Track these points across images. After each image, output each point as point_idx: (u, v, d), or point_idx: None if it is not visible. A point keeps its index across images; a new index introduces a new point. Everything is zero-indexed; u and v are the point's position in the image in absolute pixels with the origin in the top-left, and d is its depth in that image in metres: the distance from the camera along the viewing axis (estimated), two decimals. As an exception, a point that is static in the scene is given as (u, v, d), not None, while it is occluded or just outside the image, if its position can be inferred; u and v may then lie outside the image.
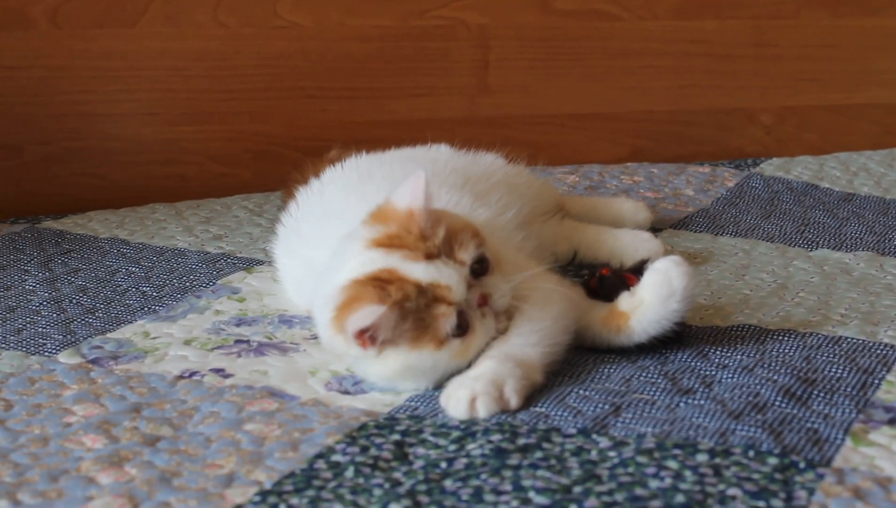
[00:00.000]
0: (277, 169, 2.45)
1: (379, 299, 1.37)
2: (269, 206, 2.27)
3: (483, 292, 1.42)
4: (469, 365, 1.42)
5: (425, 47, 2.50)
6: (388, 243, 1.41)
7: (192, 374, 1.52)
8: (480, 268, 1.43)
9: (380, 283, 1.38)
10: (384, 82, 2.49)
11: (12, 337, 1.64)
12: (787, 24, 2.68)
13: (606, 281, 1.58)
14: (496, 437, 1.29)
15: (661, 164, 2.52)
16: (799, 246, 2.02)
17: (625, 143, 2.61)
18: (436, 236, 1.41)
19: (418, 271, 1.39)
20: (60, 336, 1.64)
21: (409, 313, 1.38)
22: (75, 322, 1.69)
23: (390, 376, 1.43)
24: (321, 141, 2.46)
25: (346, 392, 1.46)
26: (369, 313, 1.36)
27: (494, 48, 2.53)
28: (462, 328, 1.40)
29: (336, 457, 1.27)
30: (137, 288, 1.83)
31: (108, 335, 1.65)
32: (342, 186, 1.73)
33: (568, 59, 2.58)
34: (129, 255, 1.99)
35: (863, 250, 1.99)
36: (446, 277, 1.39)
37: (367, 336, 1.39)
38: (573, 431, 1.31)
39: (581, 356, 1.52)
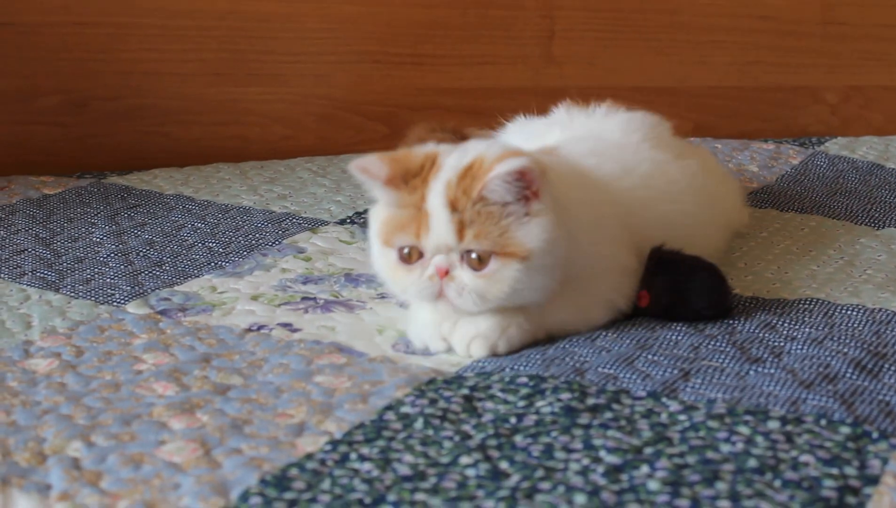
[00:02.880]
0: (340, 133, 2.47)
1: (394, 160, 1.41)
2: (332, 168, 2.28)
3: (451, 271, 1.39)
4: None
5: (491, 16, 2.49)
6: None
7: (260, 328, 1.52)
8: (475, 261, 1.39)
9: (422, 162, 1.41)
10: (449, 49, 2.49)
11: (81, 287, 1.66)
12: (856, 3, 2.65)
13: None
14: (565, 395, 1.29)
15: (725, 139, 2.51)
16: (865, 224, 2.00)
17: (688, 117, 2.59)
18: (474, 201, 1.38)
19: (434, 194, 1.39)
20: (128, 287, 1.65)
21: (398, 198, 1.39)
22: (143, 274, 1.71)
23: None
24: (385, 106, 2.48)
25: (413, 353, 1.46)
26: (373, 158, 1.41)
27: (560, 18, 2.52)
28: (407, 259, 1.40)
29: (405, 409, 1.28)
30: (203, 244, 1.84)
31: (176, 287, 1.66)
32: None
33: (633, 32, 2.57)
34: (194, 211, 2.00)
35: (930, 229, 1.97)
36: (436, 215, 1.38)
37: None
38: (643, 394, 1.30)
39: (648, 322, 1.52)
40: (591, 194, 1.53)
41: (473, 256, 1.39)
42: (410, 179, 1.41)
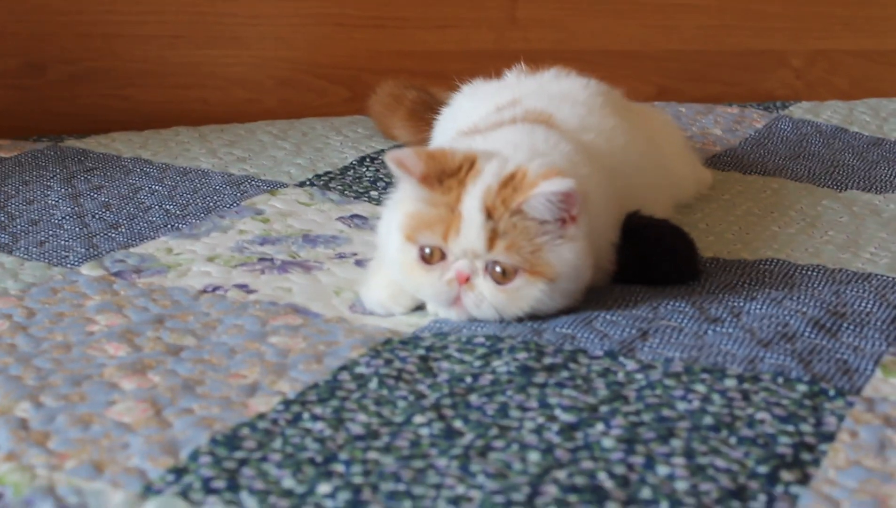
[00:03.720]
0: (302, 96, 2.44)
1: (431, 157, 1.38)
2: (293, 131, 2.25)
3: (472, 279, 1.36)
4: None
5: (454, -22, 2.47)
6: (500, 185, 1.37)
7: (216, 289, 1.51)
8: (498, 274, 1.35)
9: (461, 162, 1.38)
10: (412, 12, 2.46)
11: (34, 249, 1.63)
12: (822, -34, 2.65)
13: None
14: (521, 355, 1.28)
15: (689, 103, 2.50)
16: (827, 186, 2.00)
17: (652, 81, 2.58)
18: (513, 213, 1.35)
19: (471, 197, 1.35)
20: (83, 250, 1.63)
21: (430, 197, 1.37)
22: (98, 237, 1.68)
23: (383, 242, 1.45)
24: (347, 69, 2.45)
25: (371, 314, 1.44)
26: (410, 152, 1.38)
27: (524, -19, 2.50)
28: (429, 259, 1.37)
29: (360, 369, 1.26)
30: (160, 206, 1.82)
31: (131, 249, 1.64)
32: None
33: (597, -5, 2.55)
34: (152, 174, 1.98)
35: (892, 192, 1.96)
36: (469, 219, 1.35)
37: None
38: (600, 353, 1.29)
39: (609, 285, 1.50)
40: (591, 166, 1.50)
41: (498, 269, 1.35)
42: (446, 179, 1.37)
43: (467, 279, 1.35)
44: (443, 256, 1.37)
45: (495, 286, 1.35)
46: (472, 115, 1.70)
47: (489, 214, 1.35)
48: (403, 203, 1.41)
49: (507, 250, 1.34)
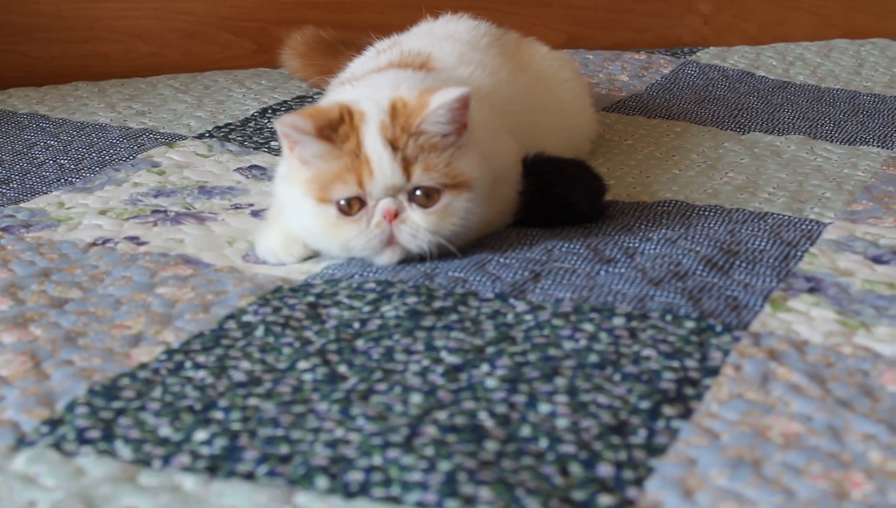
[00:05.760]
0: (206, 49, 2.41)
1: (313, 115, 1.35)
2: (195, 84, 2.22)
3: (400, 213, 1.34)
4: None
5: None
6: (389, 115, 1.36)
7: (105, 241, 1.48)
8: (422, 198, 1.34)
9: (339, 111, 1.36)
10: (317, -39, 2.43)
11: (-79, 206, 1.60)
12: None
13: None
14: (411, 300, 1.27)
15: (597, 51, 2.49)
16: (730, 129, 2.00)
17: (561, 29, 2.56)
18: (415, 135, 1.34)
19: (370, 136, 1.34)
20: (-29, 205, 1.60)
21: (329, 151, 1.34)
22: (-12, 192, 1.65)
23: (281, 195, 1.42)
24: (251, 21, 2.42)
25: (264, 263, 1.43)
26: (294, 115, 1.35)
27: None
28: (349, 211, 1.35)
29: (247, 318, 1.25)
30: (55, 161, 1.79)
31: (22, 204, 1.61)
32: None
33: (504, -57, 2.53)
34: (47, 129, 1.94)
35: (795, 133, 1.97)
36: (378, 157, 1.33)
37: (290, 138, 1.36)
38: (490, 295, 1.28)
39: (505, 229, 1.49)
40: (480, 105, 1.48)
41: (420, 193, 1.34)
42: (338, 129, 1.35)
43: (396, 215, 1.34)
44: (361, 204, 1.35)
45: (424, 212, 1.34)
46: (358, 62, 1.69)
47: (394, 146, 1.34)
48: (299, 171, 1.38)
49: (426, 172, 1.34)
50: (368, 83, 1.48)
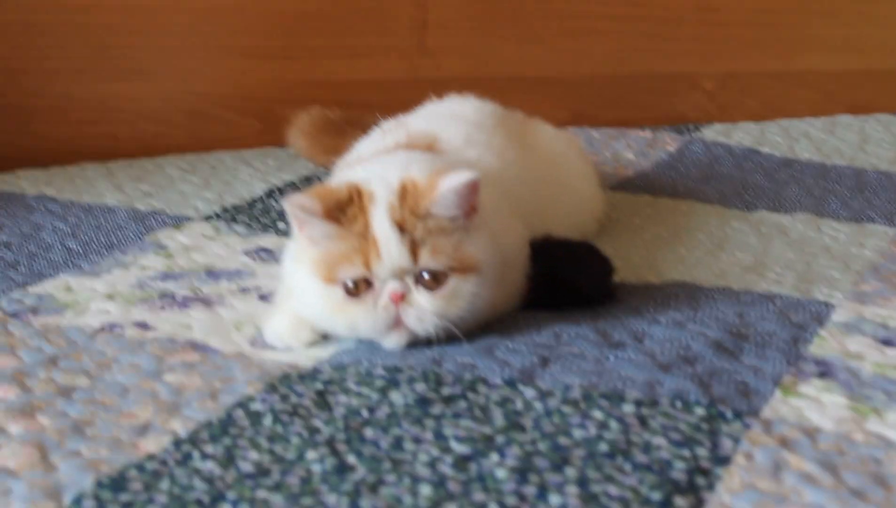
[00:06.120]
0: (212, 129, 2.41)
1: (321, 195, 1.36)
2: (202, 165, 2.23)
3: (406, 296, 1.34)
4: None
5: (362, 7, 2.45)
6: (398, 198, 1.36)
7: (113, 327, 1.48)
8: (429, 281, 1.34)
9: (348, 191, 1.37)
10: (321, 42, 2.44)
11: (-71, 291, 1.60)
12: (729, -12, 2.67)
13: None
14: (420, 386, 1.26)
15: (602, 128, 2.50)
16: (737, 208, 2.00)
17: (565, 107, 2.58)
18: (423, 218, 1.34)
19: (378, 218, 1.34)
20: (-21, 290, 1.60)
21: (337, 231, 1.35)
22: (-5, 277, 1.65)
23: (289, 274, 1.42)
24: (257, 101, 2.43)
25: (272, 348, 1.42)
26: (302, 195, 1.36)
27: (433, 8, 2.49)
28: (355, 292, 1.35)
29: (255, 406, 1.24)
30: (62, 244, 1.79)
31: (29, 289, 1.61)
32: None
33: (508, 22, 2.55)
34: (55, 211, 1.94)
35: (801, 212, 1.97)
36: (386, 239, 1.33)
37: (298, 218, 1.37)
38: (499, 381, 1.28)
39: (513, 312, 1.49)
40: (488, 189, 1.48)
41: (427, 276, 1.34)
42: (346, 209, 1.36)
43: (402, 297, 1.34)
44: (368, 285, 1.35)
45: (430, 295, 1.34)
46: (364, 143, 1.70)
47: (402, 228, 1.34)
48: (308, 251, 1.38)
49: (433, 255, 1.33)
50: (379, 163, 1.48)
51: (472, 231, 1.37)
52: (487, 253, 1.38)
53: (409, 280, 1.34)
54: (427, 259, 1.34)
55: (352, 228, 1.35)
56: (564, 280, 1.51)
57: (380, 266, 1.34)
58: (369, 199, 1.36)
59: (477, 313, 1.38)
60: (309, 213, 1.35)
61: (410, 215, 1.34)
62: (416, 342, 1.36)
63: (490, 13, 2.53)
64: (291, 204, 1.35)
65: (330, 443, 1.16)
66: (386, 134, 1.66)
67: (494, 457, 1.12)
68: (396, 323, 1.35)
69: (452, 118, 1.69)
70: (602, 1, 2.59)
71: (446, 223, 1.35)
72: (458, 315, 1.36)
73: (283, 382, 1.30)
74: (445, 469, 1.10)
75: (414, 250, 1.34)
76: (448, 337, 1.36)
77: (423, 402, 1.23)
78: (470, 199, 1.35)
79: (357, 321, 1.36)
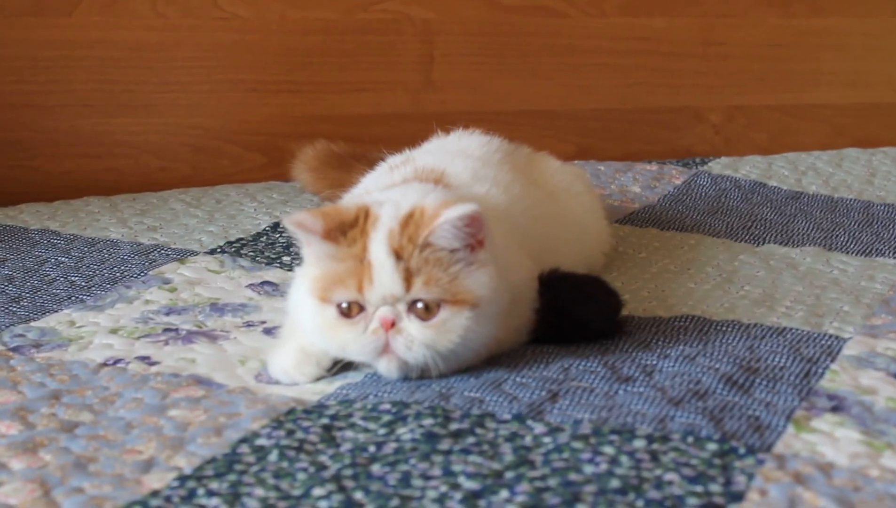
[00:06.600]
0: (216, 164, 2.41)
1: (327, 214, 1.36)
2: (206, 199, 2.22)
3: (397, 323, 1.33)
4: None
5: (369, 41, 2.46)
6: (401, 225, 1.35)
7: (117, 362, 1.46)
8: (421, 310, 1.33)
9: (356, 213, 1.36)
10: (326, 77, 2.44)
11: (-68, 326, 1.58)
12: (736, 23, 2.66)
13: None
14: (428, 421, 1.25)
15: (609, 162, 2.49)
16: (745, 241, 1.99)
17: (571, 141, 2.58)
18: (421, 247, 1.33)
19: (376, 243, 1.33)
20: (-18, 325, 1.58)
21: (336, 252, 1.34)
22: (-2, 311, 1.64)
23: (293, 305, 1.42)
24: (262, 135, 2.43)
25: (277, 383, 1.41)
26: (306, 213, 1.35)
27: (439, 43, 2.49)
28: (346, 313, 1.34)
29: (260, 441, 1.22)
30: (66, 278, 1.78)
31: (32, 323, 1.60)
32: None
33: (514, 56, 2.55)
34: (59, 245, 1.93)
35: (809, 245, 1.96)
36: (380, 265, 1.33)
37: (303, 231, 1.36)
38: (508, 416, 1.26)
39: (522, 346, 1.47)
40: (496, 224, 1.47)
41: (420, 305, 1.32)
42: (348, 231, 1.35)
43: (393, 324, 1.32)
44: (361, 308, 1.34)
45: (421, 324, 1.32)
46: (371, 177, 1.69)
47: (399, 255, 1.32)
48: (310, 268, 1.38)
49: (426, 286, 1.32)
50: (401, 190, 1.47)
51: (477, 266, 1.35)
52: (488, 289, 1.35)
53: (402, 307, 1.33)
54: (419, 289, 1.32)
55: (350, 250, 1.34)
56: (573, 314, 1.50)
57: (371, 292, 1.33)
58: (373, 223, 1.35)
59: (471, 346, 1.36)
60: (308, 231, 1.35)
61: (408, 243, 1.33)
62: (410, 370, 1.35)
63: (496, 48, 2.53)
64: (292, 222, 1.35)
65: (337, 479, 1.14)
66: (392, 169, 1.65)
67: (504, 493, 1.10)
68: (385, 349, 1.34)
69: (459, 154, 1.68)
70: (607, 35, 2.59)
71: (444, 255, 1.34)
72: (448, 348, 1.34)
73: (289, 417, 1.28)
74: (454, 505, 1.08)
75: (408, 278, 1.32)
76: (455, 370, 1.36)
77: (431, 437, 1.21)
78: (472, 232, 1.34)
79: (348, 342, 1.35)
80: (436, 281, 1.33)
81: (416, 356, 1.33)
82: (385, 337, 1.33)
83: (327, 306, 1.35)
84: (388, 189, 1.51)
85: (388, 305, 1.33)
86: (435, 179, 1.54)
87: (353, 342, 1.34)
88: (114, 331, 1.57)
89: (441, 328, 1.33)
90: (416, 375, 1.36)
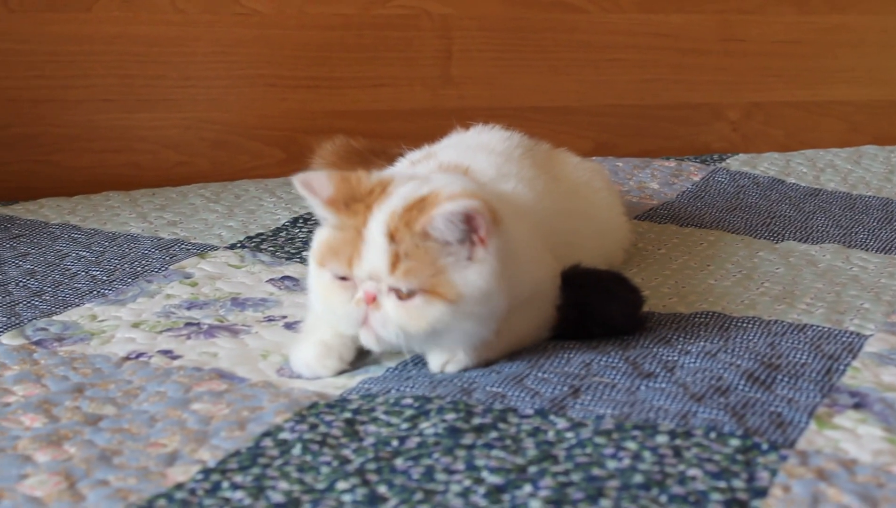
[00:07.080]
0: (235, 159, 2.42)
1: (344, 179, 1.37)
2: (226, 194, 2.23)
3: (378, 298, 1.34)
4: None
5: (387, 37, 2.46)
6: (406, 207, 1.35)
7: (139, 355, 1.47)
8: (401, 291, 1.33)
9: (374, 186, 1.37)
10: (345, 72, 2.45)
11: (-46, 319, 1.59)
12: (754, 20, 2.66)
13: None
14: (450, 416, 1.25)
15: (626, 158, 2.49)
16: (764, 238, 1.99)
17: (589, 137, 2.58)
18: (416, 235, 1.33)
19: (375, 221, 1.34)
20: (4, 318, 1.59)
21: (339, 221, 1.35)
22: (21, 305, 1.64)
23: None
24: (281, 130, 2.43)
25: (299, 377, 1.41)
26: (321, 175, 1.37)
27: (457, 39, 2.49)
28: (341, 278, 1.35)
29: (284, 435, 1.23)
30: (87, 272, 1.78)
31: (55, 317, 1.60)
32: None
33: (532, 52, 2.55)
34: (79, 240, 1.94)
35: (829, 242, 1.96)
36: (371, 243, 1.33)
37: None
38: (530, 412, 1.26)
39: (543, 341, 1.48)
40: (518, 219, 1.47)
41: (403, 288, 1.33)
42: (353, 203, 1.35)
43: (374, 299, 1.34)
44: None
45: (397, 303, 1.33)
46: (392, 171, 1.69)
47: (392, 237, 1.33)
48: (321, 231, 1.40)
49: (405, 276, 1.32)
50: (445, 175, 1.47)
51: (472, 263, 1.34)
52: (475, 289, 1.33)
53: (384, 285, 1.34)
54: (399, 276, 1.32)
55: (351, 221, 1.35)
56: (595, 311, 1.50)
57: (358, 267, 1.34)
58: (383, 199, 1.35)
59: (447, 338, 1.36)
60: (312, 194, 1.35)
61: (404, 228, 1.33)
62: (386, 346, 1.36)
63: (514, 44, 2.53)
64: (300, 180, 1.36)
65: (361, 473, 1.14)
66: (414, 165, 1.65)
67: (528, 488, 1.10)
68: (365, 321, 1.35)
69: (480, 149, 1.67)
70: (626, 31, 2.58)
71: (436, 246, 1.33)
72: (418, 333, 1.34)
73: (312, 411, 1.29)
74: (478, 499, 1.09)
75: (395, 262, 1.33)
76: (480, 365, 1.38)
77: (454, 432, 1.22)
78: (470, 229, 1.32)
79: (336, 307, 1.36)
80: (416, 273, 1.32)
81: (389, 334, 1.34)
82: (366, 310, 1.34)
83: (324, 270, 1.37)
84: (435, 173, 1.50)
85: (374, 281, 1.34)
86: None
87: (339, 306, 1.36)
88: (136, 325, 1.57)
89: (413, 312, 1.33)
90: (397, 350, 1.38)
